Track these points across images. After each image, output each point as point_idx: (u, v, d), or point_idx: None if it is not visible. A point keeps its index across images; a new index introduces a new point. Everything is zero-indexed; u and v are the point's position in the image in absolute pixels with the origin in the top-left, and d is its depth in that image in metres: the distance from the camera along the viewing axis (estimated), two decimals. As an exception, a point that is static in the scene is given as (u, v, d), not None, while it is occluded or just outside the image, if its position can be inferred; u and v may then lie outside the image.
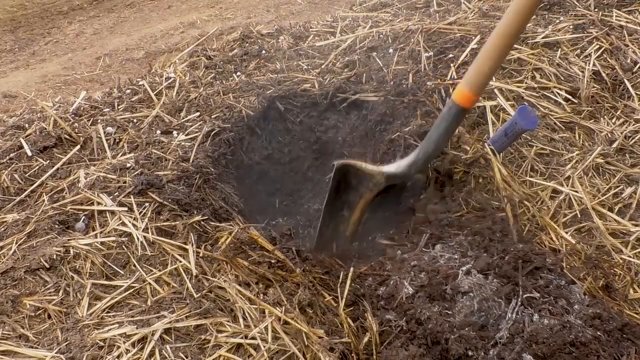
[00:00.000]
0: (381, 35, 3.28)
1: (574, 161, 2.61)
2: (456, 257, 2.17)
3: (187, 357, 1.79)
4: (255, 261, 2.14)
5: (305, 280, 2.14)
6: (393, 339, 2.01)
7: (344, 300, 2.13)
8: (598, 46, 3.06)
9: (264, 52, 3.32)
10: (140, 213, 2.19)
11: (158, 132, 2.68)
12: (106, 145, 2.59)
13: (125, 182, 2.32)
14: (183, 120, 2.76)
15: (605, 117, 2.84)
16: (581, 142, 2.71)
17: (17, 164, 2.49)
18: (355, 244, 2.62)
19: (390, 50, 3.13)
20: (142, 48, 5.37)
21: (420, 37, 3.12)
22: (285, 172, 3.03)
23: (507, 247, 2.17)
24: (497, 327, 1.94)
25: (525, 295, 1.98)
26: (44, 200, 2.30)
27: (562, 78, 2.91)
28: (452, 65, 2.90)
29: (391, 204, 2.60)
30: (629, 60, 3.03)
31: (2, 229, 2.21)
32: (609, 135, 2.74)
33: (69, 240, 2.09)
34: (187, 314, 1.89)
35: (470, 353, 1.89)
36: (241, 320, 1.91)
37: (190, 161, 2.49)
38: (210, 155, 2.58)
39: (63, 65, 5.17)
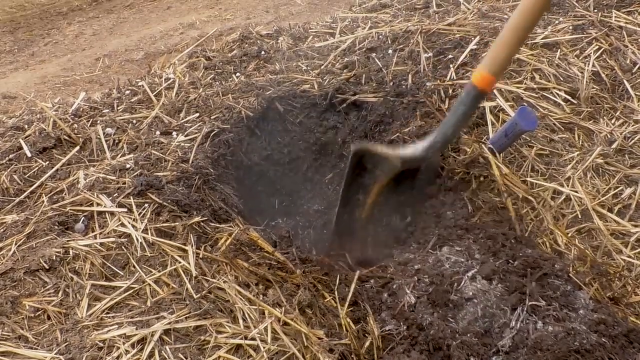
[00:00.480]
0: (380, 36, 3.28)
1: (574, 162, 2.61)
2: (462, 260, 2.16)
3: (186, 358, 1.79)
4: (255, 262, 2.14)
5: (305, 281, 2.14)
6: (395, 344, 2.00)
7: (347, 302, 2.12)
8: (597, 47, 3.06)
9: (263, 53, 3.32)
10: (139, 214, 2.19)
11: (157, 133, 2.68)
12: (105, 146, 2.58)
13: (124, 183, 2.32)
14: (182, 121, 2.76)
15: (604, 117, 2.84)
16: (581, 142, 2.71)
17: (16, 164, 2.49)
18: (369, 227, 2.60)
19: (390, 51, 3.13)
20: (141, 49, 5.36)
21: (420, 38, 3.12)
22: (284, 172, 3.03)
23: (517, 252, 2.16)
24: (500, 334, 1.93)
25: (530, 303, 1.97)
26: (43, 201, 2.30)
27: (562, 79, 2.91)
28: (451, 66, 2.90)
29: (406, 187, 2.57)
30: (628, 61, 3.04)
31: (2, 230, 2.21)
32: (609, 136, 2.74)
33: (68, 241, 2.09)
34: (187, 315, 1.89)
35: (472, 360, 1.89)
36: (241, 321, 1.91)
37: (190, 162, 2.49)
38: (209, 156, 2.58)
39: (62, 66, 5.17)
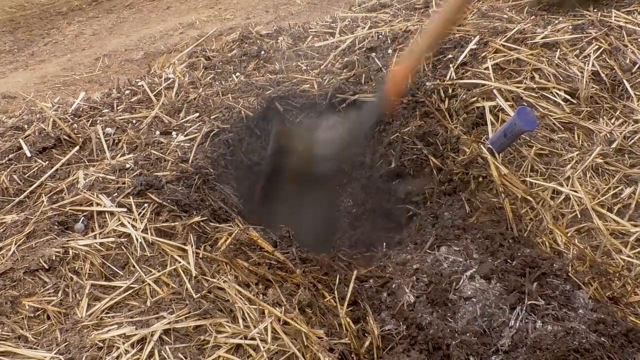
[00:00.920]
0: (380, 36, 3.28)
1: (574, 161, 2.61)
2: (460, 260, 2.16)
3: (186, 358, 1.79)
4: (255, 262, 2.14)
5: (305, 280, 2.14)
6: (395, 344, 2.00)
7: (346, 302, 2.13)
8: (597, 46, 3.06)
9: (263, 52, 3.32)
10: (139, 214, 2.19)
11: (157, 132, 2.67)
12: (105, 146, 2.58)
13: (124, 183, 2.32)
14: (182, 121, 2.76)
15: (604, 117, 2.84)
16: (580, 142, 2.71)
17: (16, 164, 2.49)
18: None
19: (390, 51, 3.13)
20: (141, 49, 5.36)
21: (420, 38, 3.12)
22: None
23: (515, 252, 2.16)
24: (499, 334, 1.93)
25: (529, 302, 1.97)
26: (43, 201, 2.30)
27: (561, 78, 2.91)
28: (451, 65, 2.90)
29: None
30: (628, 61, 3.03)
31: (1, 229, 2.21)
32: (608, 136, 2.74)
33: (68, 241, 2.09)
34: (187, 315, 1.89)
35: (471, 359, 1.88)
36: (241, 320, 1.91)
37: (190, 162, 2.49)
38: (209, 155, 2.58)
39: (62, 66, 5.17)
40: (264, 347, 1.84)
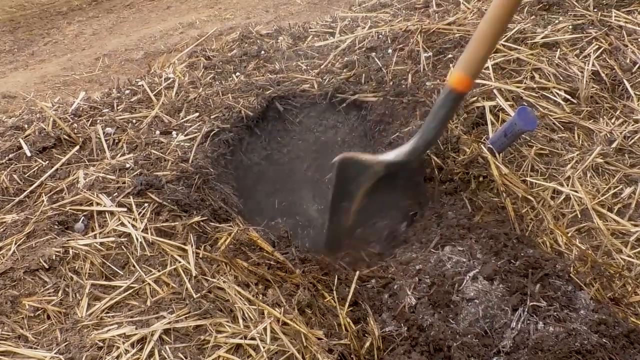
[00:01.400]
0: (380, 36, 3.27)
1: (574, 161, 2.61)
2: (464, 260, 2.16)
3: (186, 358, 1.79)
4: (254, 262, 2.14)
5: (304, 281, 2.14)
6: (396, 345, 2.00)
7: (347, 303, 2.12)
8: (597, 46, 3.06)
9: (263, 52, 3.32)
10: (139, 213, 2.19)
11: (157, 132, 2.67)
12: (105, 146, 2.58)
13: (124, 183, 2.32)
14: (182, 121, 2.76)
15: (604, 117, 2.84)
16: (580, 142, 2.71)
17: (16, 164, 2.49)
18: (357, 231, 2.64)
19: (390, 51, 3.13)
20: (141, 48, 5.36)
21: (420, 38, 3.12)
22: (284, 172, 3.03)
23: (518, 252, 2.16)
24: (501, 335, 1.93)
25: (531, 303, 1.97)
26: (43, 201, 2.30)
27: (562, 78, 2.91)
28: (451, 65, 2.90)
29: (389, 188, 2.58)
30: (628, 61, 3.04)
31: (1, 229, 2.21)
32: (608, 136, 2.74)
33: (68, 240, 2.09)
34: (187, 315, 1.89)
35: (472, 361, 1.88)
36: (240, 320, 1.91)
37: (190, 162, 2.49)
38: (209, 155, 2.58)
39: (62, 66, 5.17)
40: (263, 347, 1.84)
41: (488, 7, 3.33)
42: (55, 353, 1.77)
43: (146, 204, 2.23)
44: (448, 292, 2.05)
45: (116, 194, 2.27)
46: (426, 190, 2.62)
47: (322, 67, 3.13)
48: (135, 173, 2.38)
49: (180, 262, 2.06)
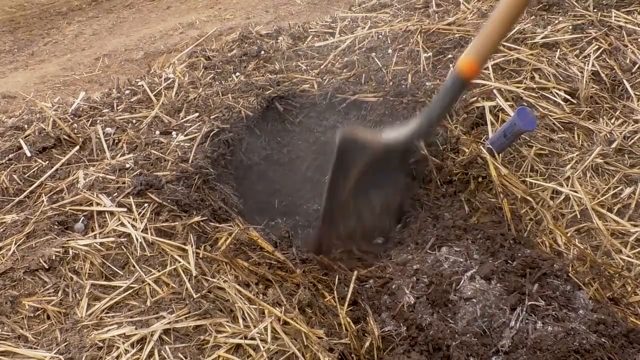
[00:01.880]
0: (380, 36, 3.28)
1: (574, 161, 2.61)
2: (461, 260, 2.16)
3: (186, 358, 1.79)
4: (255, 262, 2.14)
5: (305, 280, 2.14)
6: (395, 345, 2.00)
7: (347, 302, 2.13)
8: (597, 46, 3.06)
9: (263, 52, 3.32)
10: (139, 214, 2.19)
11: (157, 132, 2.67)
12: (105, 146, 2.58)
13: (124, 183, 2.32)
14: (182, 121, 2.76)
15: (604, 117, 2.84)
16: (580, 142, 2.71)
17: (16, 164, 2.49)
18: (351, 207, 2.59)
19: (389, 51, 3.13)
20: (141, 49, 5.36)
21: (420, 38, 3.12)
22: (284, 172, 3.03)
23: (515, 252, 2.16)
24: (500, 335, 1.93)
25: (530, 303, 1.97)
26: (43, 201, 2.30)
27: (561, 78, 2.91)
28: (451, 65, 2.90)
29: (385, 166, 2.53)
30: (628, 61, 3.04)
31: (1, 229, 2.21)
32: (608, 136, 2.74)
33: (68, 240, 2.09)
34: (187, 315, 1.89)
35: (471, 360, 1.89)
36: (240, 320, 1.91)
37: (190, 162, 2.49)
38: (209, 155, 2.58)
39: (62, 66, 5.17)
40: (263, 347, 1.84)
41: (487, 8, 3.35)
42: (55, 353, 1.77)
43: (146, 204, 2.23)
44: (446, 291, 2.05)
45: (116, 194, 2.27)
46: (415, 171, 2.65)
47: (322, 67, 3.14)
48: (135, 173, 2.38)
49: (180, 262, 2.06)
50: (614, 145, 2.69)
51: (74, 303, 1.94)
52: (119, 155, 2.53)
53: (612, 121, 2.82)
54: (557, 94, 2.85)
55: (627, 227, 2.40)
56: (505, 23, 2.20)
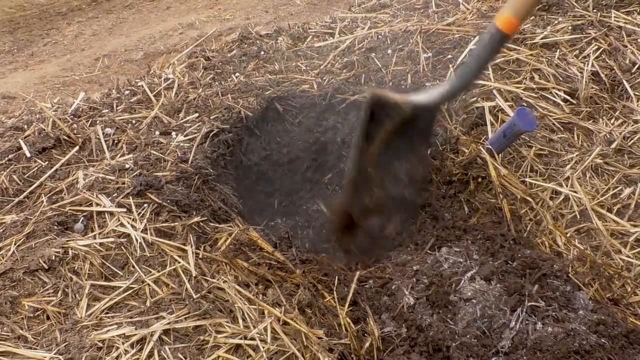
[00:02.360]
0: (380, 36, 3.28)
1: (573, 162, 2.61)
2: (461, 261, 2.16)
3: (186, 358, 1.79)
4: (254, 262, 2.14)
5: (305, 281, 2.14)
6: (395, 346, 2.00)
7: (347, 303, 2.13)
8: (597, 47, 3.06)
9: (262, 53, 3.32)
10: (139, 214, 2.19)
11: (157, 133, 2.67)
12: (105, 146, 2.58)
13: (124, 183, 2.32)
14: (182, 121, 2.76)
15: (604, 117, 2.84)
16: (580, 142, 2.71)
17: (15, 165, 2.49)
18: (375, 173, 2.37)
19: (389, 51, 3.13)
20: (140, 49, 5.36)
21: (419, 38, 3.12)
22: (284, 172, 3.03)
23: (515, 253, 2.16)
24: (500, 335, 1.93)
25: (530, 304, 1.97)
26: (42, 201, 2.30)
27: (561, 79, 2.91)
28: (450, 66, 2.90)
29: (412, 131, 2.32)
30: (627, 61, 3.04)
31: (1, 230, 2.21)
32: (608, 136, 2.74)
33: (67, 241, 2.09)
34: (186, 315, 1.89)
35: (471, 361, 1.89)
36: (240, 320, 1.91)
37: (189, 162, 2.49)
38: (209, 156, 2.58)
39: (62, 67, 5.17)
40: (263, 347, 1.84)
41: (487, 8, 3.35)
42: (54, 353, 1.77)
43: (146, 205, 2.23)
44: (447, 292, 2.05)
45: (116, 194, 2.27)
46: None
47: (321, 67, 3.14)
48: (135, 173, 2.38)
49: (179, 262, 2.06)
50: (613, 146, 2.69)
51: (73, 303, 1.94)
52: (118, 155, 2.53)
53: (612, 121, 2.82)
54: (556, 94, 2.85)
55: (626, 228, 2.40)
56: None
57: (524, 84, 2.86)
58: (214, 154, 2.62)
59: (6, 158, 2.52)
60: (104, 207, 2.22)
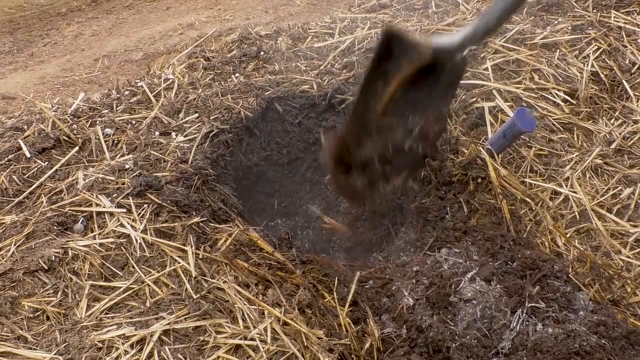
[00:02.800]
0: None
1: (573, 162, 2.61)
2: (461, 261, 2.16)
3: (185, 358, 1.79)
4: (254, 262, 2.14)
5: (305, 281, 2.14)
6: (395, 347, 2.00)
7: (347, 303, 2.13)
8: (596, 47, 3.06)
9: (262, 53, 3.32)
10: (139, 214, 2.19)
11: (157, 133, 2.67)
12: (105, 147, 2.58)
13: (124, 184, 2.32)
14: (181, 122, 2.76)
15: (603, 118, 2.84)
16: (580, 143, 2.71)
17: (15, 165, 2.49)
18: (386, 121, 2.16)
19: (389, 52, 3.12)
20: (140, 49, 5.36)
21: (419, 38, 3.11)
22: (283, 173, 3.03)
23: (515, 253, 2.16)
24: (500, 336, 1.93)
25: (530, 304, 1.97)
26: (42, 202, 2.30)
27: (561, 79, 2.91)
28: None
29: (430, 82, 2.15)
30: (627, 61, 3.04)
31: (1, 230, 2.21)
32: (608, 136, 2.74)
33: (67, 241, 2.09)
34: (186, 315, 1.89)
35: (472, 362, 1.88)
36: (240, 321, 1.91)
37: (189, 162, 2.49)
38: (209, 156, 2.58)
39: (61, 67, 5.17)
40: (263, 348, 1.84)
41: (487, 8, 3.35)
42: (54, 354, 1.77)
43: (145, 205, 2.23)
44: (447, 293, 2.05)
45: (115, 194, 2.27)
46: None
47: (321, 67, 3.14)
48: (135, 174, 2.38)
49: (179, 262, 2.06)
50: (613, 146, 2.69)
51: (73, 304, 1.93)
52: (118, 156, 2.53)
53: (612, 122, 2.82)
54: (556, 94, 2.85)
55: (626, 228, 2.40)
56: None
57: (524, 84, 2.86)
58: (214, 154, 2.62)
59: (6, 158, 2.52)
60: (103, 207, 2.22)
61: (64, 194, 2.32)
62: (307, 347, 1.91)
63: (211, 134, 2.68)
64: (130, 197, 2.25)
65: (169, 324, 1.86)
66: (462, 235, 2.31)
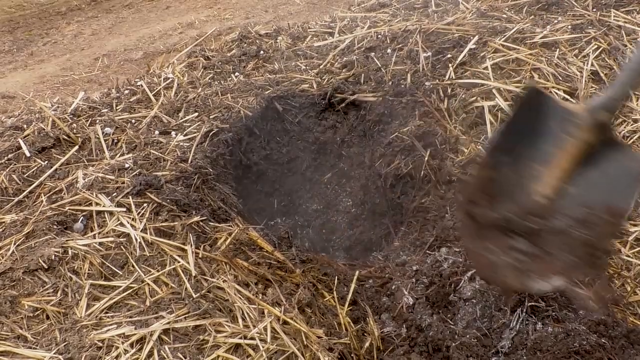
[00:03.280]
0: (379, 36, 3.27)
1: (573, 161, 2.60)
2: (461, 260, 2.16)
3: (185, 358, 1.79)
4: (254, 262, 2.14)
5: (304, 280, 2.14)
6: (395, 346, 2.00)
7: (347, 302, 2.12)
8: (596, 46, 3.06)
9: (262, 52, 3.32)
10: (138, 213, 2.19)
11: (156, 132, 2.67)
12: (104, 146, 2.58)
13: (123, 183, 2.32)
14: (181, 121, 2.76)
15: (603, 117, 2.83)
16: (579, 142, 2.70)
17: (15, 164, 2.49)
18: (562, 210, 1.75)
19: (389, 51, 3.13)
20: (140, 49, 5.36)
21: (419, 38, 3.12)
22: (283, 172, 3.03)
23: None
24: (500, 335, 1.93)
25: (530, 304, 1.97)
26: (42, 201, 2.30)
27: (561, 78, 2.91)
28: (450, 65, 2.90)
29: (606, 163, 1.76)
30: (627, 61, 3.03)
31: (1, 229, 2.21)
32: (607, 136, 2.73)
33: (67, 240, 2.09)
34: (186, 315, 1.89)
35: (471, 361, 1.88)
36: (240, 320, 1.91)
37: (189, 161, 2.49)
38: (208, 155, 2.58)
39: (61, 66, 5.17)
40: (263, 347, 1.84)
41: (486, 7, 3.35)
42: (54, 353, 1.77)
43: (145, 204, 2.23)
44: (446, 292, 2.05)
45: (115, 194, 2.27)
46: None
47: (321, 67, 3.13)
48: (135, 173, 2.38)
49: (179, 262, 2.06)
50: (613, 145, 2.68)
51: (73, 303, 1.93)
52: (118, 155, 2.53)
53: (612, 121, 2.82)
54: (556, 93, 2.84)
55: (626, 227, 2.40)
56: None
57: (524, 83, 2.86)
58: (214, 153, 2.62)
59: (6, 157, 2.52)
60: (103, 206, 2.22)
61: (64, 193, 2.32)
62: (306, 346, 1.91)
63: (211, 133, 2.68)
64: (130, 196, 2.25)
65: (168, 323, 1.86)
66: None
